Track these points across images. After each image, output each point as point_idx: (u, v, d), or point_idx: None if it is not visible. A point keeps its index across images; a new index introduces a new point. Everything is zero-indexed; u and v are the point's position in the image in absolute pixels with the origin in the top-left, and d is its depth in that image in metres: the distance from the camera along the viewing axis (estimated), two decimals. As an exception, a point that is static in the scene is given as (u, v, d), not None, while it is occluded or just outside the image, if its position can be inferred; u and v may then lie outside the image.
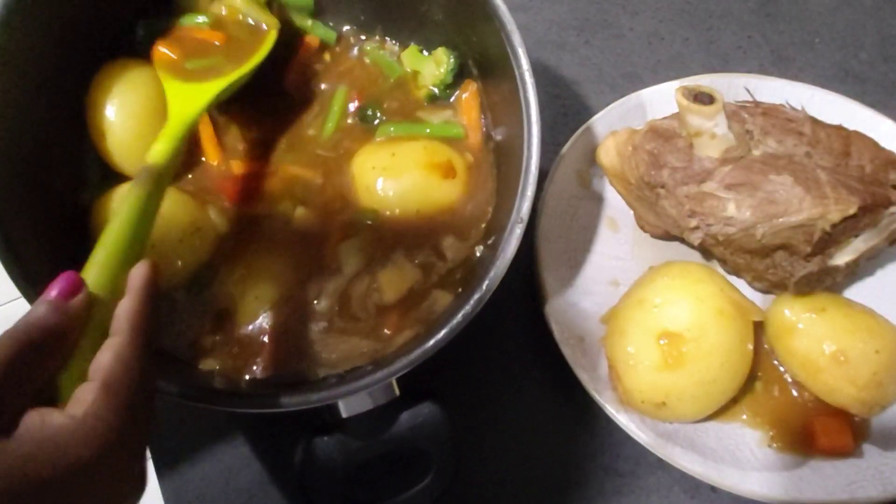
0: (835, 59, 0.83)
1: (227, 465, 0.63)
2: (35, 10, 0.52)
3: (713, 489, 0.62)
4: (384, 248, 0.60)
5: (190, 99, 0.58)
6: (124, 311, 0.40)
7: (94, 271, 0.41)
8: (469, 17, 0.59)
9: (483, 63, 0.63)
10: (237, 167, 0.64)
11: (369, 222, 0.61)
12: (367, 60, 0.68)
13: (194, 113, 0.57)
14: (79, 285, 0.39)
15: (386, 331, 0.58)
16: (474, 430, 0.64)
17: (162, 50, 0.62)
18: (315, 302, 0.59)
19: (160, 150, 0.51)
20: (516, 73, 0.54)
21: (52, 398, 0.37)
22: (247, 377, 0.56)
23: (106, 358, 0.37)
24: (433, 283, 0.60)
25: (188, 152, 0.63)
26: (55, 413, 0.34)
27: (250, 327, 0.58)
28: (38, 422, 0.34)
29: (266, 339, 0.57)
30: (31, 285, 0.49)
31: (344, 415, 0.51)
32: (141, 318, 0.40)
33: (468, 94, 0.65)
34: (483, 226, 0.61)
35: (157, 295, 0.42)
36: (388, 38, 0.69)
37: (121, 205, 0.46)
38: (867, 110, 0.71)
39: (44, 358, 0.36)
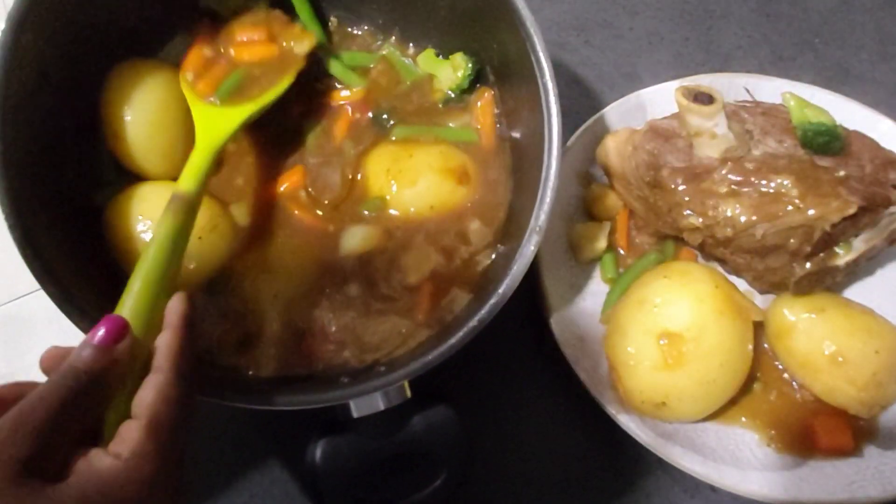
0: (835, 59, 0.83)
1: (228, 465, 0.63)
2: (47, 12, 0.52)
3: (713, 489, 0.62)
4: (404, 233, 0.61)
5: (218, 123, 0.58)
6: (165, 346, 0.40)
7: (132, 305, 0.42)
8: (490, 24, 0.59)
9: (501, 70, 0.63)
10: (252, 165, 0.64)
11: (372, 214, 0.62)
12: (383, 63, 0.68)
13: (222, 138, 0.56)
14: (124, 328, 0.39)
15: (419, 315, 0.58)
16: (476, 429, 0.63)
17: (188, 76, 0.61)
18: (344, 289, 0.59)
19: (190, 177, 0.51)
20: (539, 83, 0.54)
21: (96, 431, 0.38)
22: (268, 374, 0.56)
23: (149, 396, 0.38)
24: (457, 268, 0.60)
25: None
26: (102, 455, 0.35)
27: (273, 326, 0.58)
28: (87, 465, 0.35)
29: (297, 335, 0.58)
30: (52, 280, 0.49)
31: (356, 415, 0.51)
32: (181, 353, 0.40)
33: (483, 102, 0.65)
34: (501, 216, 0.62)
35: (194, 328, 0.43)
36: (404, 42, 0.68)
37: (153, 234, 0.46)
38: (867, 110, 0.71)
39: (91, 401, 0.37)
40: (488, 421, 0.64)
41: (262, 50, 0.64)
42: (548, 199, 0.52)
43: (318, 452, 0.52)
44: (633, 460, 0.63)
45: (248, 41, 0.64)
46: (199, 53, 0.63)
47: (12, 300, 0.66)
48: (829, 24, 0.85)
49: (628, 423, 0.60)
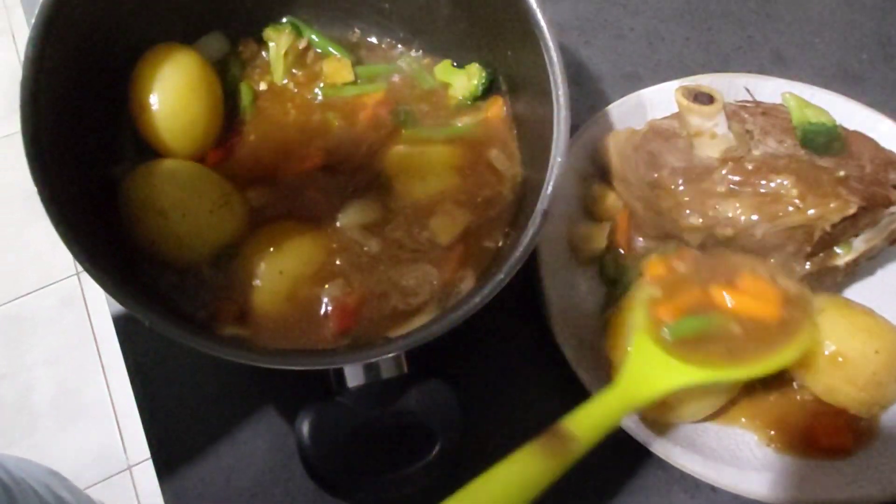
0: (835, 59, 0.83)
1: (228, 465, 0.63)
2: None
3: (713, 489, 0.62)
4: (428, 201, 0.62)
5: (658, 373, 0.43)
6: None
7: None
8: (508, 36, 0.61)
9: (514, 79, 0.65)
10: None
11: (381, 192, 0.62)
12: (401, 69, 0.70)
13: (650, 397, 0.43)
14: None
15: (447, 273, 0.59)
16: (476, 427, 0.63)
17: (653, 291, 0.48)
18: (365, 248, 0.60)
19: (586, 423, 0.40)
20: (553, 93, 0.54)
21: None
22: (271, 347, 0.56)
23: None
24: (490, 217, 0.61)
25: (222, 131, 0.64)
26: None
27: (276, 301, 0.58)
28: None
29: (301, 311, 0.58)
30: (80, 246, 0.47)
31: (350, 384, 0.51)
32: None
33: (495, 107, 0.67)
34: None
35: None
36: (423, 53, 0.70)
37: (492, 472, 0.35)
38: (867, 110, 0.71)
39: None
40: (489, 419, 0.64)
41: (757, 307, 0.51)
42: (551, 185, 0.53)
43: (308, 419, 0.52)
44: (633, 460, 0.63)
45: (747, 290, 0.50)
46: (666, 265, 0.53)
47: (12, 300, 0.66)
48: (829, 24, 0.85)
49: (628, 423, 0.60)
